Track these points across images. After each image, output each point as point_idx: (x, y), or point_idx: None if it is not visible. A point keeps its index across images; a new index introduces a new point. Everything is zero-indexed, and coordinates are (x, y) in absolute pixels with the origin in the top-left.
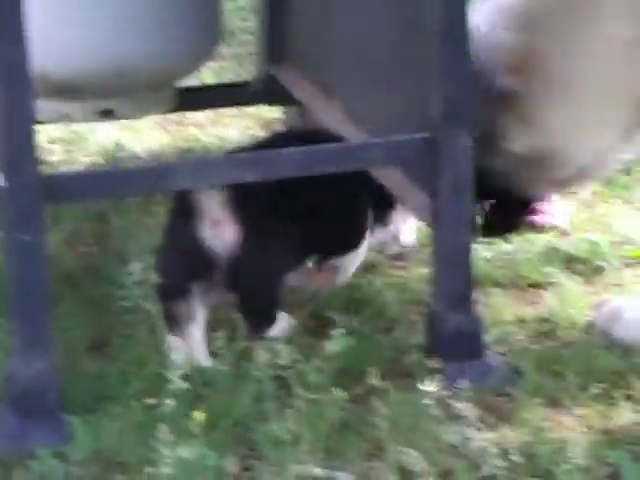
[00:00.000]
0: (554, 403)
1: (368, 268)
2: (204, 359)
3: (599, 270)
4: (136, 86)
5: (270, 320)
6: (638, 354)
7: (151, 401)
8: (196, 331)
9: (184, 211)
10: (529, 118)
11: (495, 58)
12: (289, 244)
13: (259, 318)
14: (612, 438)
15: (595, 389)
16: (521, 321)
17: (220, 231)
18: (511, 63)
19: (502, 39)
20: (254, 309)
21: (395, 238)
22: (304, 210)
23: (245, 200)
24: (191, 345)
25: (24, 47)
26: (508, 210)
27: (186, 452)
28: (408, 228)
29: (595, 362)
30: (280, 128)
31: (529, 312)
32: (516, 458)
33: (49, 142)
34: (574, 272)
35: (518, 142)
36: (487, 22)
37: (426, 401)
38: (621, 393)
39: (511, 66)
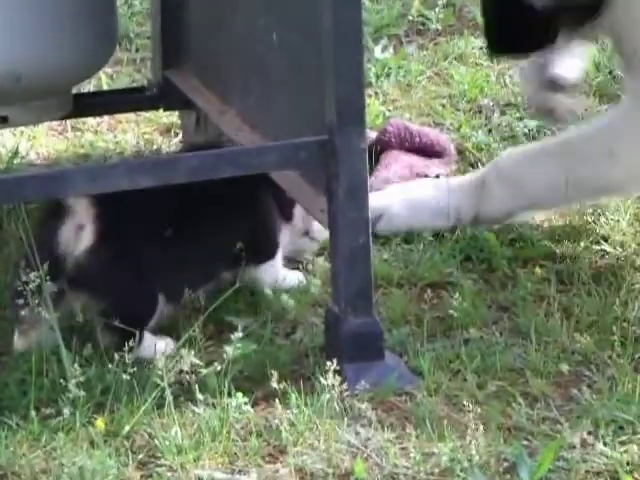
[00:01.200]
0: (453, 402)
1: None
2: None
3: (495, 268)
4: (31, 92)
5: (127, 336)
6: (534, 353)
7: (49, 410)
8: (39, 335)
9: (50, 214)
10: None
11: None
12: (169, 257)
13: (117, 333)
14: (509, 435)
15: (493, 387)
16: (420, 321)
17: (82, 236)
18: None
19: None
20: (111, 322)
21: (310, 236)
22: (187, 218)
23: (111, 207)
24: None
25: None
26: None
27: (86, 461)
28: (317, 226)
29: (493, 360)
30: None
31: (428, 312)
32: (416, 457)
33: None
34: (471, 271)
35: None
36: None
37: (326, 403)
38: (518, 390)
39: None
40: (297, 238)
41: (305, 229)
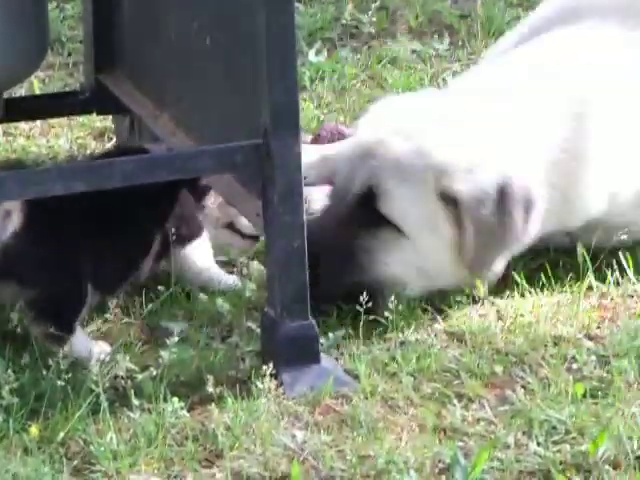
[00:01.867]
0: (389, 404)
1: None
2: None
3: None
4: None
5: (58, 327)
6: (468, 355)
7: None
8: None
9: None
10: None
11: None
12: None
13: (48, 323)
14: (444, 436)
15: (428, 389)
16: (355, 324)
17: (8, 221)
18: None
19: None
20: (40, 310)
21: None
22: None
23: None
24: None
25: None
26: None
27: (19, 468)
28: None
29: (428, 362)
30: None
31: (363, 315)
32: (352, 459)
33: None
34: None
35: None
36: None
37: (262, 406)
38: (453, 392)
39: None
40: (214, 229)
41: (226, 221)
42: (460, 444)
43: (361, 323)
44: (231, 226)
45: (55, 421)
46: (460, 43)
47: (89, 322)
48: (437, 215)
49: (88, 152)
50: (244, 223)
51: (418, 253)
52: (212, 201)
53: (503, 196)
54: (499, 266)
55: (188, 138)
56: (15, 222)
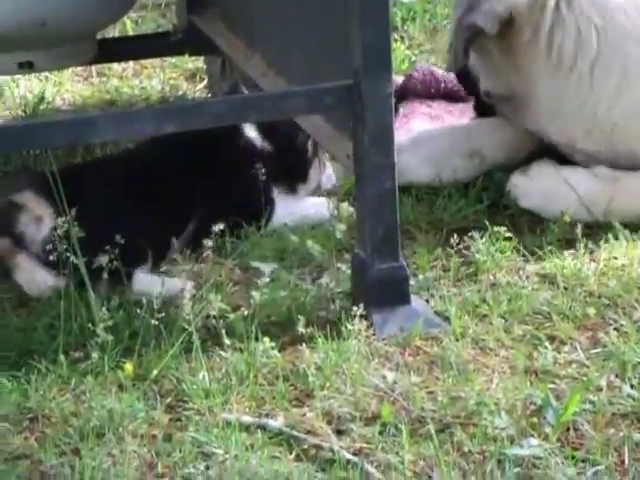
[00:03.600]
0: (479, 346)
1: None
2: None
3: (522, 214)
4: (56, 37)
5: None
6: (561, 297)
7: (78, 354)
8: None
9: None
10: (525, 69)
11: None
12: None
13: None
14: (536, 378)
15: (519, 331)
16: (446, 266)
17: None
18: (503, 14)
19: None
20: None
21: (319, 183)
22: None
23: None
24: None
25: None
26: None
27: (115, 404)
28: (328, 173)
29: (519, 304)
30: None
31: (454, 257)
32: (443, 400)
33: None
34: (498, 216)
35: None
36: None
37: (353, 347)
38: (545, 334)
39: (499, 16)
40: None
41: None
42: (552, 386)
43: (452, 265)
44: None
45: (148, 359)
46: None
47: (182, 262)
48: None
49: (180, 93)
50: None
51: None
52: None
53: None
54: None
55: (279, 79)
56: (47, 226)
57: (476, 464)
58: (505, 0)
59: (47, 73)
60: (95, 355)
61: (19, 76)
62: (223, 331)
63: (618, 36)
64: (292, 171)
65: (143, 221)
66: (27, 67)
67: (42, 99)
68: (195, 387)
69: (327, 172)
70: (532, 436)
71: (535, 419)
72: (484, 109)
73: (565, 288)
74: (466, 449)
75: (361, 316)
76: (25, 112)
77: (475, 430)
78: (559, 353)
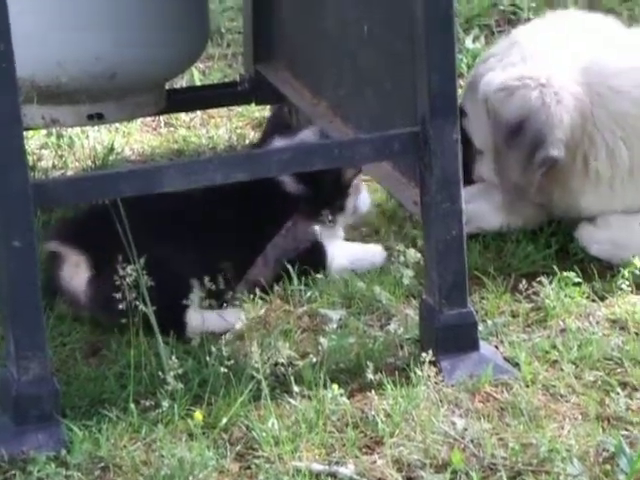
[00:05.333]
0: (550, 392)
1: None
2: None
3: (592, 259)
4: (125, 89)
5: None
6: (632, 342)
7: (148, 403)
8: None
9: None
10: (567, 187)
11: (552, 130)
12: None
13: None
14: (608, 425)
15: (591, 377)
16: (515, 311)
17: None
18: (564, 140)
19: (563, 117)
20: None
21: (355, 208)
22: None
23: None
24: None
25: (10, 52)
26: None
27: (185, 453)
28: (362, 197)
29: (590, 350)
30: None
31: (523, 302)
32: (514, 447)
33: (39, 147)
34: (567, 261)
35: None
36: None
37: (422, 393)
38: (616, 380)
39: (563, 142)
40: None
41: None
42: (624, 433)
43: (521, 310)
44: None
45: (218, 407)
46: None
47: (251, 309)
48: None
49: (247, 142)
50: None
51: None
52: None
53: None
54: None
55: (345, 126)
56: (84, 271)
57: None
58: (565, 128)
59: (116, 124)
60: (165, 404)
61: (88, 127)
62: (292, 378)
63: None
64: (331, 205)
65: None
66: (96, 118)
67: (111, 150)
68: (265, 435)
69: (362, 196)
70: None
71: (608, 466)
72: None
73: (636, 333)
74: None
75: (430, 362)
76: (95, 163)
77: (547, 478)
78: (631, 399)
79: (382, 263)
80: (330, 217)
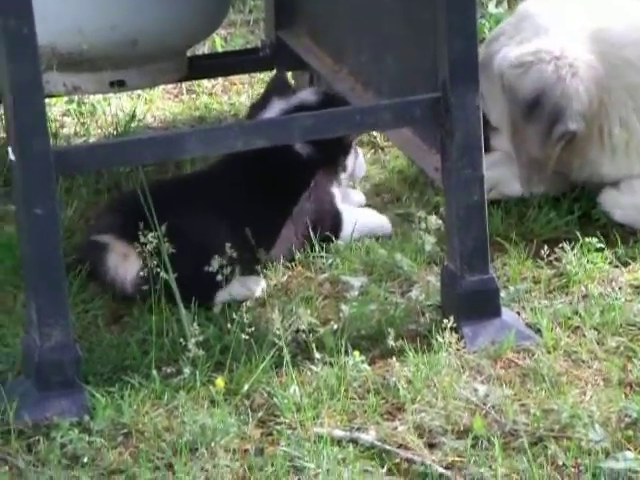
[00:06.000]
0: (572, 358)
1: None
2: None
3: (614, 224)
4: (147, 56)
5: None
6: None
7: (170, 370)
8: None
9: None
10: (585, 157)
11: (569, 103)
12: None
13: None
14: (630, 390)
15: (613, 343)
16: (537, 277)
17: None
18: (582, 112)
19: (580, 89)
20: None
21: (352, 170)
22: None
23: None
24: None
25: (31, 20)
26: None
27: (207, 419)
28: (359, 162)
29: (612, 316)
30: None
31: (545, 268)
32: (536, 413)
33: (61, 115)
34: (589, 227)
35: (573, 172)
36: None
37: (443, 360)
38: (639, 346)
39: (581, 114)
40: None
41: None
42: None
43: (543, 276)
44: None
45: (239, 373)
46: None
47: (272, 276)
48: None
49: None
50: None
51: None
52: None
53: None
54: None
55: (367, 92)
56: (134, 264)
57: (570, 478)
58: (582, 101)
59: (138, 91)
60: (187, 370)
61: (111, 95)
62: (313, 345)
63: None
64: (337, 165)
65: (229, 235)
66: (118, 85)
67: (133, 117)
68: (286, 401)
69: (359, 160)
70: (628, 449)
71: (630, 432)
72: None
73: None
74: (560, 462)
75: (451, 329)
76: (117, 130)
77: (569, 443)
78: None
79: (388, 234)
80: (336, 177)
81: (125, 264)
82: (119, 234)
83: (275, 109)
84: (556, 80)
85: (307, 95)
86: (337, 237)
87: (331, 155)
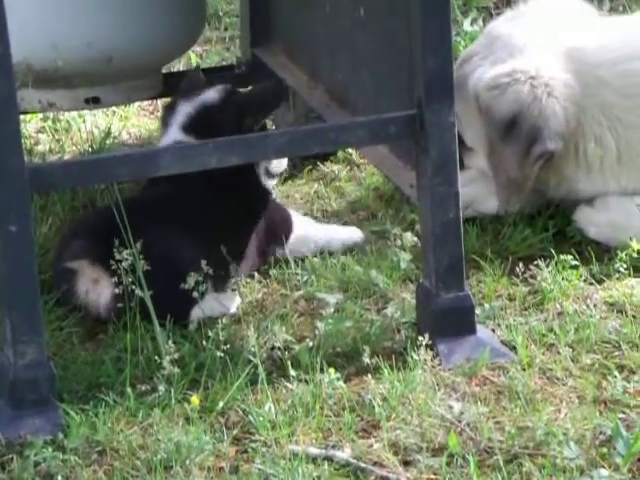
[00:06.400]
0: (547, 375)
1: (354, 248)
2: None
3: (589, 242)
4: (122, 73)
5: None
6: (629, 325)
7: (145, 387)
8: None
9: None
10: (562, 175)
11: (546, 123)
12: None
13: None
14: (605, 408)
15: (587, 360)
16: (512, 295)
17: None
18: (560, 131)
19: (556, 108)
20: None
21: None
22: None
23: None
24: None
25: (5, 37)
26: None
27: (182, 437)
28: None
29: (587, 333)
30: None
31: (520, 285)
32: (510, 430)
33: (36, 131)
34: (564, 244)
35: (549, 189)
36: (545, 87)
37: (419, 377)
38: (613, 363)
39: (559, 133)
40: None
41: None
42: (621, 416)
43: (518, 294)
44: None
45: (215, 391)
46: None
47: (247, 293)
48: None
49: None
50: None
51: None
52: None
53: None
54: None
55: (342, 110)
56: (106, 289)
57: None
58: (559, 120)
59: (113, 108)
60: (162, 388)
61: (86, 111)
62: (288, 362)
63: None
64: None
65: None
66: (93, 102)
67: (108, 133)
68: (261, 419)
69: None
70: (602, 467)
71: (605, 449)
72: None
73: (634, 316)
74: None
75: (427, 346)
76: (92, 147)
77: (544, 461)
78: (628, 382)
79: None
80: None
81: (97, 289)
82: (89, 259)
83: (181, 112)
84: (532, 100)
85: (209, 95)
86: (289, 234)
87: None
